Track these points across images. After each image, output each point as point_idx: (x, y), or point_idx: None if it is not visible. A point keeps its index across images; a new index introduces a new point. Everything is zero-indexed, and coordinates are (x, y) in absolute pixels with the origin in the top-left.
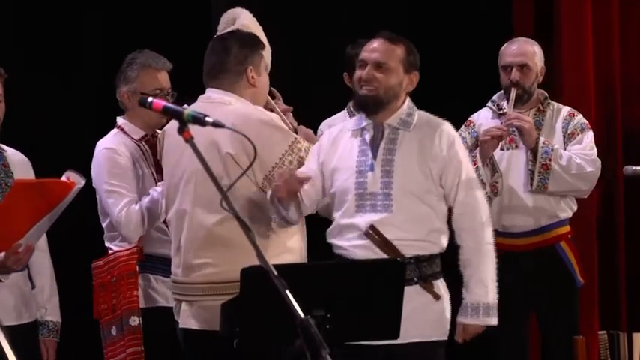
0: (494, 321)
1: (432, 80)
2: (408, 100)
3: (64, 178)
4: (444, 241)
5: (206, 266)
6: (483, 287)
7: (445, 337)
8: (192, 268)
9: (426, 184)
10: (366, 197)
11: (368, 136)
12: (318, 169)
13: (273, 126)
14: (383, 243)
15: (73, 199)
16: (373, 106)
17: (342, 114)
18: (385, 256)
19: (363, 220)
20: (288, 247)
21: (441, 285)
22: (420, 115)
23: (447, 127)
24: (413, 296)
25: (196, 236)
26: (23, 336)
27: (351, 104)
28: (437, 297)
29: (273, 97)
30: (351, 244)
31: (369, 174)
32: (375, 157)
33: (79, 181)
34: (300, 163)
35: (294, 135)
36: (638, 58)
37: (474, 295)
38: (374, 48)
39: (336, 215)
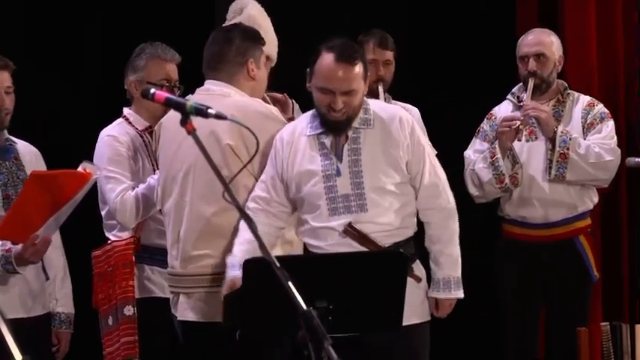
0: (461, 294)
1: (430, 79)
2: None
3: (80, 169)
4: (415, 222)
5: (205, 258)
6: (453, 262)
7: (429, 318)
8: (191, 259)
9: (396, 175)
10: (337, 200)
11: (328, 141)
12: (276, 172)
13: (272, 118)
14: (362, 238)
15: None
16: (345, 127)
17: None
18: (365, 249)
19: (339, 222)
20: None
21: (418, 267)
22: (373, 107)
23: (402, 113)
24: None
25: (195, 227)
26: (37, 328)
27: None
28: (418, 280)
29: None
30: (328, 243)
31: (337, 178)
32: (340, 159)
33: (96, 172)
34: None
35: None
36: None
37: (446, 270)
38: (338, 78)
39: (307, 217)
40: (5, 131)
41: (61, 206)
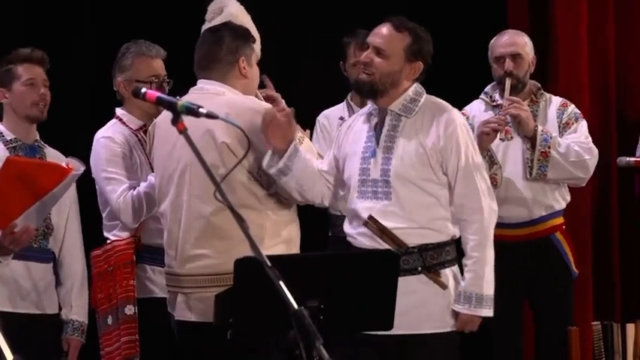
0: (488, 312)
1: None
2: (415, 85)
3: (63, 164)
4: (454, 229)
5: (203, 258)
6: (478, 278)
7: (449, 329)
8: (189, 259)
9: (425, 171)
10: (367, 183)
11: (373, 122)
12: (333, 154)
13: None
14: (381, 232)
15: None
16: (368, 91)
17: (341, 105)
18: (385, 245)
19: (364, 206)
20: (284, 237)
21: (449, 274)
22: (426, 100)
23: (451, 113)
24: (418, 286)
25: (193, 227)
26: (30, 327)
27: (349, 95)
28: (443, 287)
29: (264, 85)
30: (357, 231)
31: (372, 160)
32: (377, 143)
33: (78, 168)
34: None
35: None
36: (633, 50)
37: (469, 285)
38: (378, 33)
39: (348, 202)
40: (37, 132)
41: (41, 197)
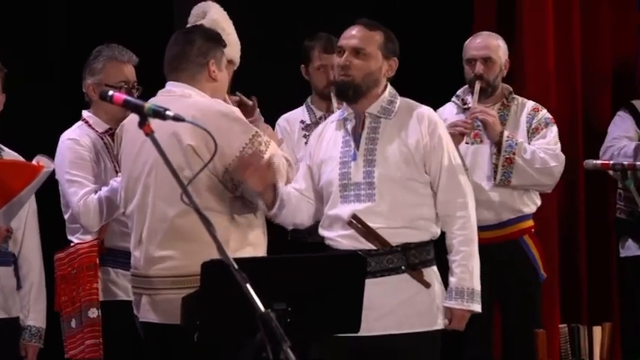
0: (478, 308)
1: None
2: (389, 87)
3: (33, 162)
4: (436, 229)
5: (168, 259)
6: (468, 272)
7: (436, 327)
8: (154, 261)
9: (409, 171)
10: (349, 187)
11: (350, 126)
12: (307, 166)
13: (233, 118)
14: (366, 232)
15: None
16: (352, 94)
17: (301, 109)
18: (370, 245)
19: (347, 210)
20: (250, 241)
21: (432, 273)
22: (401, 101)
23: (428, 112)
24: (401, 285)
25: (158, 229)
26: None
27: (309, 99)
28: (427, 285)
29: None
30: (337, 234)
31: (352, 164)
32: (357, 146)
33: (49, 165)
34: (260, 157)
35: (255, 128)
36: (600, 51)
37: (459, 280)
38: (352, 35)
39: (325, 208)
40: None
41: (13, 196)
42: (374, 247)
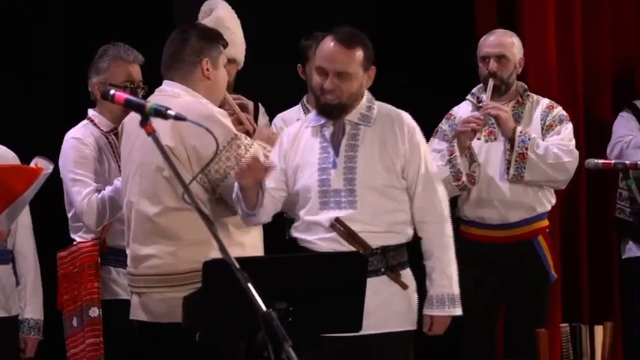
0: (459, 311)
1: (394, 74)
2: (366, 93)
3: (32, 164)
4: (410, 231)
5: (151, 258)
6: (447, 279)
7: (414, 327)
8: (140, 259)
9: (389, 178)
10: (329, 194)
11: (328, 133)
12: (280, 167)
13: (213, 121)
14: (348, 235)
15: (41, 187)
16: (337, 113)
17: (296, 108)
18: (351, 248)
19: (328, 216)
20: (238, 241)
21: (407, 275)
22: (379, 107)
23: (406, 118)
24: (380, 287)
25: (142, 228)
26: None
27: (305, 98)
28: (404, 287)
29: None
30: (317, 237)
31: (332, 171)
32: (337, 153)
33: (47, 167)
34: (238, 161)
35: (235, 132)
36: (601, 50)
37: (439, 287)
38: (334, 58)
39: (301, 212)
40: None
41: (14, 200)
42: (357, 250)
